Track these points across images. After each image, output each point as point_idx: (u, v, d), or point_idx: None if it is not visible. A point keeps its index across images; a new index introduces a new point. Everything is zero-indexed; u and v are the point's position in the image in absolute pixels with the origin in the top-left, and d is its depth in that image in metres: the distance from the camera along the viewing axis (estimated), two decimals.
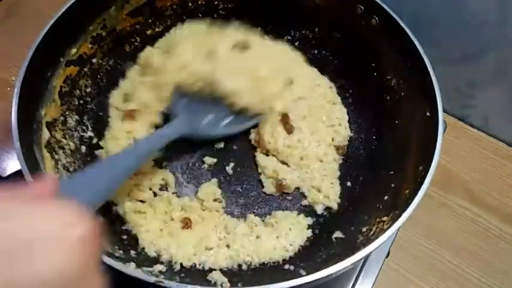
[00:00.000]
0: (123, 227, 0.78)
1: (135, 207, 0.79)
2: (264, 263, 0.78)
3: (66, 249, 0.34)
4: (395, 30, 0.84)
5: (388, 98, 0.92)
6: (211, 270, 0.76)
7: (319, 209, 0.86)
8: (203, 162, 0.90)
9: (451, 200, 1.03)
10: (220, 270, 0.75)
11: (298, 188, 0.88)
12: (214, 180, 0.87)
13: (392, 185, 0.80)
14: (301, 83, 0.96)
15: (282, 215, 0.83)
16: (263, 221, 0.83)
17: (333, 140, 0.93)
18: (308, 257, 0.78)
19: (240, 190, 0.88)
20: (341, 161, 0.92)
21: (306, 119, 0.93)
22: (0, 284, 0.30)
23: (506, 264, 0.96)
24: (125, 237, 0.77)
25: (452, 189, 1.04)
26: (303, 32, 1.04)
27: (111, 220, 0.78)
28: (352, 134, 0.95)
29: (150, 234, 0.78)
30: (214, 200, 0.84)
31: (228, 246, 0.79)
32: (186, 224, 0.80)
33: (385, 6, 0.86)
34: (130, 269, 0.63)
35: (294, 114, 0.92)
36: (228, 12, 1.00)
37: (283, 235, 0.81)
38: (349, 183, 0.90)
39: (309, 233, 0.83)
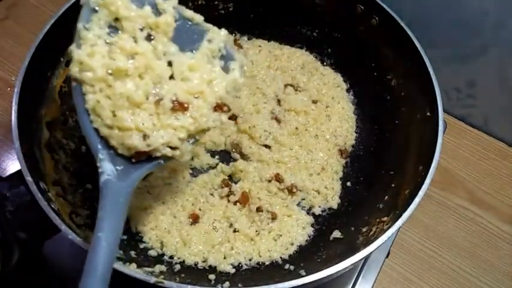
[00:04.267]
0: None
1: (142, 204, 0.80)
2: (264, 263, 0.78)
3: None
4: (395, 30, 0.84)
5: (388, 97, 0.92)
6: (211, 269, 0.76)
7: (320, 209, 0.86)
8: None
9: (451, 200, 1.03)
10: (221, 270, 0.76)
11: (300, 190, 0.88)
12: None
13: (392, 185, 0.80)
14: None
15: (283, 212, 0.84)
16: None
17: (337, 144, 0.93)
18: (308, 257, 0.78)
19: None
20: (343, 163, 0.92)
21: (314, 122, 0.94)
22: None
23: (506, 264, 0.96)
24: (125, 237, 0.77)
25: (452, 189, 1.04)
26: (303, 32, 1.04)
27: None
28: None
29: (157, 232, 0.79)
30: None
31: (229, 241, 0.79)
32: (194, 219, 0.80)
33: (385, 6, 0.86)
34: (131, 269, 0.63)
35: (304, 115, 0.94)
36: (228, 12, 1.00)
37: (284, 233, 0.81)
38: (349, 183, 0.90)
39: (310, 232, 0.83)
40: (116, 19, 0.57)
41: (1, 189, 0.65)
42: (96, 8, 0.56)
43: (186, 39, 0.61)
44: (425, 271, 0.94)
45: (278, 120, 0.94)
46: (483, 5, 0.93)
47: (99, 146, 0.56)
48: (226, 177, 0.88)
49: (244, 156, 0.90)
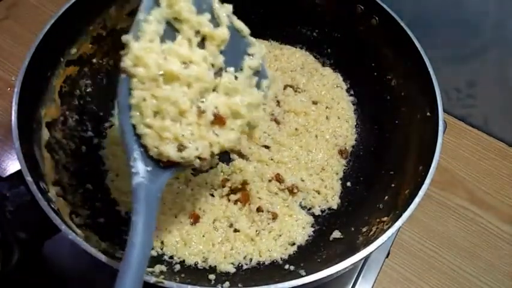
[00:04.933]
0: (124, 227, 0.78)
1: None
2: (264, 263, 0.78)
3: None
4: (396, 30, 0.84)
5: (388, 97, 0.92)
6: (211, 269, 0.76)
7: (320, 209, 0.86)
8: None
9: (451, 200, 1.03)
10: (221, 270, 0.76)
11: (301, 190, 0.88)
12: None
13: (392, 185, 0.80)
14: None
15: (283, 212, 0.84)
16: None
17: (337, 144, 0.93)
18: (308, 257, 0.78)
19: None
20: (343, 163, 0.92)
21: (314, 123, 0.94)
22: None
23: (506, 264, 0.96)
24: (126, 237, 0.76)
25: (452, 189, 1.04)
26: (303, 32, 1.04)
27: (112, 220, 0.78)
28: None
29: (157, 232, 0.78)
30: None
31: (229, 241, 0.79)
32: (195, 219, 0.80)
33: (385, 6, 0.86)
34: None
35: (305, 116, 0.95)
36: None
37: (284, 233, 0.81)
38: (349, 183, 0.90)
39: (310, 232, 0.83)
40: (175, 19, 0.56)
41: (1, 189, 0.65)
42: (160, 2, 0.55)
43: (231, 50, 0.61)
44: (425, 271, 0.94)
45: (277, 122, 0.94)
46: (483, 5, 0.93)
47: (135, 145, 0.55)
48: (227, 177, 0.88)
49: (243, 157, 0.90)
